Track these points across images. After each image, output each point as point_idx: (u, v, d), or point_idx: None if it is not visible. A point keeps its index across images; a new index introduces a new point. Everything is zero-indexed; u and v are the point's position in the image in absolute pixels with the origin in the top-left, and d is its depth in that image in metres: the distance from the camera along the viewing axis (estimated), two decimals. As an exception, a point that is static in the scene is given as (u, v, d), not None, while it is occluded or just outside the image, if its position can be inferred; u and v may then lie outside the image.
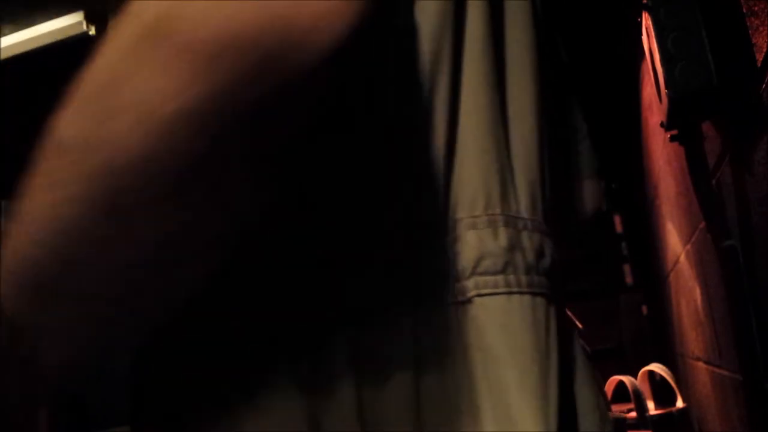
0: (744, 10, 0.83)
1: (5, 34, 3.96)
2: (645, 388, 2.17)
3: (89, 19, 3.87)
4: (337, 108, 0.41)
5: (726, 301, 1.24)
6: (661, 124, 1.17)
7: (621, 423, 1.81)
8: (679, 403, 2.06)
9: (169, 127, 0.32)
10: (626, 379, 2.04)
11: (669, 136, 1.36)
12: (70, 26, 3.90)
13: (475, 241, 0.44)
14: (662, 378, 2.14)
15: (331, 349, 0.41)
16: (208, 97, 0.31)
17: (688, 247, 1.59)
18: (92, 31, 3.89)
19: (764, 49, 0.77)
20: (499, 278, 0.43)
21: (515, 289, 0.44)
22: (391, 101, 0.45)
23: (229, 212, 0.37)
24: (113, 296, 0.37)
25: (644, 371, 2.22)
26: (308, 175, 0.43)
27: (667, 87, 0.97)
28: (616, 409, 2.09)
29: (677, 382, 2.11)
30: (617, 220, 2.64)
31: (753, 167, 0.87)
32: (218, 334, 0.43)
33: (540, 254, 0.47)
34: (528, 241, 0.46)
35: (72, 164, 0.34)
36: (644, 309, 2.65)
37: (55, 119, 0.35)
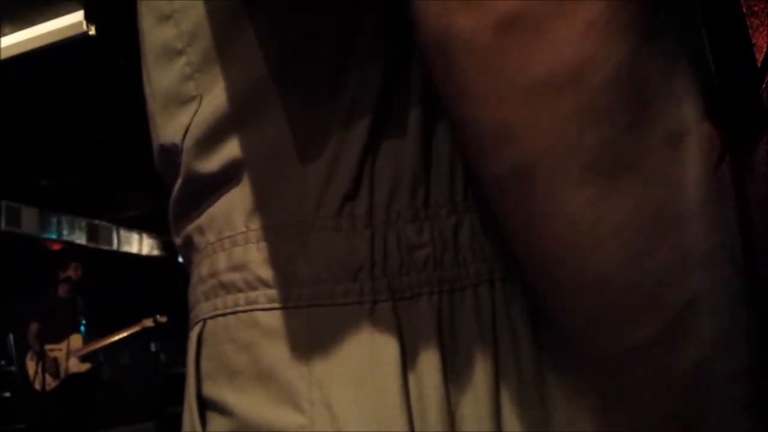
0: (744, 10, 0.83)
1: (5, 34, 3.96)
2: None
3: (89, 19, 3.87)
4: None
5: (726, 301, 1.24)
6: (661, 124, 1.17)
7: None
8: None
9: None
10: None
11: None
12: (70, 26, 3.90)
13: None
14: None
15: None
16: None
17: (688, 247, 1.59)
18: (92, 31, 3.89)
19: (764, 49, 0.77)
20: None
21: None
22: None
23: None
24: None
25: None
26: None
27: (667, 87, 0.97)
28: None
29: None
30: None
31: (753, 167, 0.87)
32: None
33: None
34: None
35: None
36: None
37: None
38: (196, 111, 0.47)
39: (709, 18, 0.94)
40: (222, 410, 0.44)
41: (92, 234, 7.90)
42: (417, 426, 0.39)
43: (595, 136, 0.31)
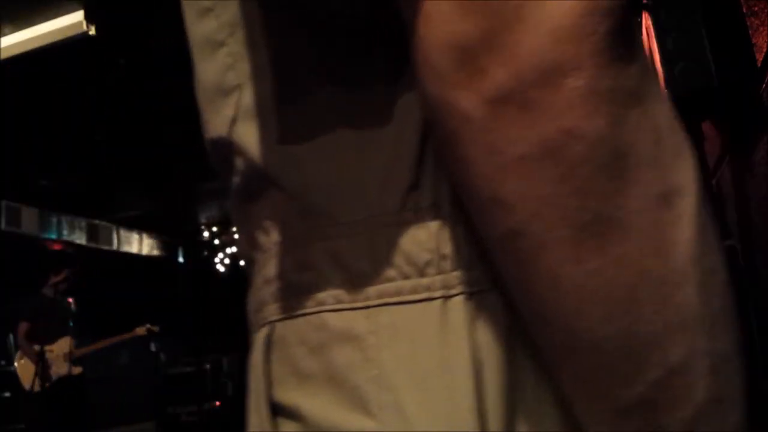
0: (744, 10, 0.83)
1: (5, 34, 3.96)
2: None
3: (89, 19, 3.87)
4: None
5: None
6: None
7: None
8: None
9: None
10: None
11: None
12: (70, 26, 3.90)
13: None
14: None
15: None
16: None
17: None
18: (92, 31, 3.90)
19: (764, 49, 0.77)
20: None
21: None
22: None
23: None
24: None
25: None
26: None
27: (667, 87, 0.97)
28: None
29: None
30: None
31: (753, 167, 0.87)
32: None
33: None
34: None
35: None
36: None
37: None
38: (238, 101, 0.46)
39: (709, 18, 0.94)
40: (293, 415, 0.42)
41: (92, 234, 7.90)
42: (485, 427, 0.38)
43: (579, 204, 0.32)
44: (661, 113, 0.34)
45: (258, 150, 0.45)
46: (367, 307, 0.41)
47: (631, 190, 0.32)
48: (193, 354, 7.51)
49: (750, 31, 0.83)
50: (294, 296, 0.44)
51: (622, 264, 0.33)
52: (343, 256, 0.42)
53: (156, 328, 5.82)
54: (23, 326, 5.25)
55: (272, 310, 0.45)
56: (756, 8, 0.81)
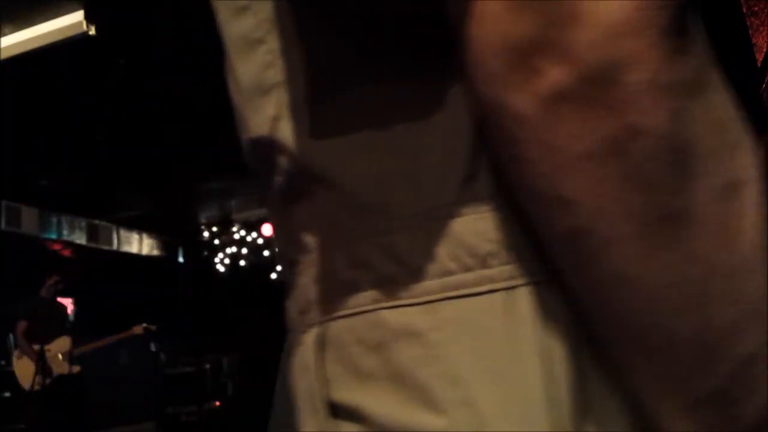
0: (744, 10, 0.83)
1: (5, 34, 3.96)
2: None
3: (89, 19, 3.88)
4: None
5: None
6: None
7: None
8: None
9: None
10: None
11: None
12: (70, 26, 3.90)
13: None
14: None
15: None
16: None
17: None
18: (92, 31, 3.90)
19: (764, 49, 0.77)
20: None
21: None
22: None
23: None
24: None
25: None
26: None
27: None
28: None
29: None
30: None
31: (753, 167, 0.87)
32: None
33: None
34: None
35: None
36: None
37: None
38: (280, 98, 0.45)
39: (709, 18, 0.94)
40: (354, 416, 0.41)
41: (92, 234, 7.91)
42: (558, 421, 0.37)
43: (644, 198, 0.32)
44: (721, 103, 0.34)
45: (304, 147, 0.44)
46: (428, 302, 0.40)
47: (696, 183, 0.32)
48: (193, 354, 7.51)
49: (750, 31, 0.83)
50: (347, 294, 0.43)
51: (692, 258, 0.32)
52: (399, 250, 0.41)
53: (153, 327, 5.83)
54: (21, 325, 5.27)
55: (323, 310, 0.44)
56: (756, 8, 0.81)
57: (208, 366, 7.37)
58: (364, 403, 0.41)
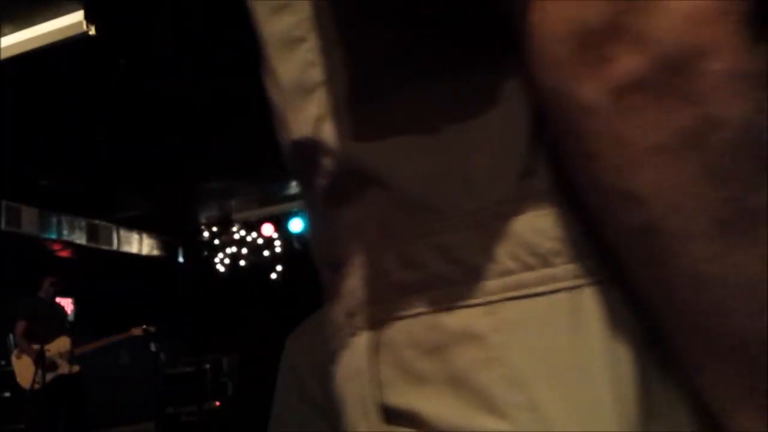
0: None
1: (5, 34, 3.96)
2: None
3: (89, 19, 3.88)
4: None
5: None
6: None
7: None
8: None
9: None
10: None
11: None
12: (70, 26, 3.90)
13: None
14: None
15: None
16: None
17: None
18: (92, 31, 3.90)
19: (764, 49, 0.77)
20: None
21: None
22: None
23: None
24: None
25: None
26: None
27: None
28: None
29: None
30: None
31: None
32: None
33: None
34: None
35: None
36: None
37: None
38: (323, 98, 0.44)
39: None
40: (411, 420, 0.40)
41: (92, 234, 7.90)
42: (626, 423, 0.36)
43: (721, 194, 0.31)
44: None
45: (350, 148, 0.43)
46: (487, 303, 0.38)
47: None
48: (193, 354, 7.51)
49: None
50: (400, 297, 0.41)
51: (765, 254, 0.31)
52: (454, 250, 0.39)
53: (152, 329, 5.83)
54: (21, 325, 5.28)
55: (375, 313, 0.43)
56: (756, 8, 0.81)
57: (208, 366, 7.37)
58: (421, 408, 0.39)
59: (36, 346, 5.18)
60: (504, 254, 0.38)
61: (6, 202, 6.64)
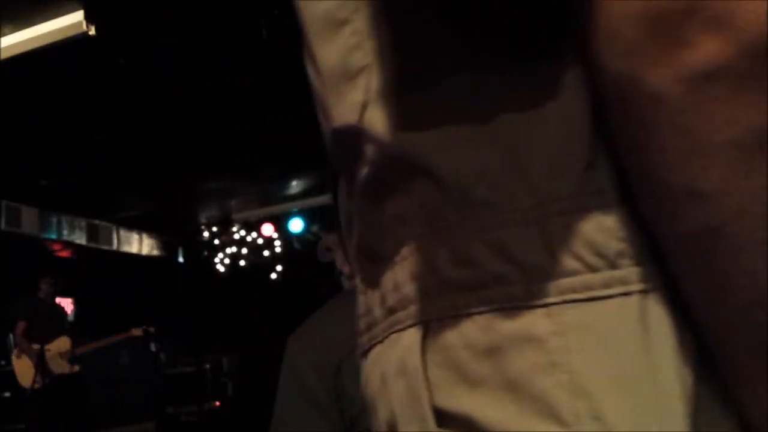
0: None
1: (5, 34, 3.96)
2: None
3: (89, 19, 3.87)
4: None
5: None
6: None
7: None
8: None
9: None
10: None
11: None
12: (70, 26, 3.90)
13: None
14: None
15: None
16: None
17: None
18: (92, 31, 3.90)
19: None
20: None
21: None
22: None
23: None
24: None
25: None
26: None
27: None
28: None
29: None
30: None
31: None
32: None
33: None
34: None
35: None
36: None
37: None
38: (368, 84, 0.41)
39: None
40: (463, 424, 0.38)
41: (92, 234, 7.90)
42: None
43: None
44: None
45: (396, 136, 0.40)
46: (547, 305, 0.36)
47: None
48: (193, 354, 7.51)
49: None
50: (452, 294, 0.39)
51: None
52: (511, 248, 0.37)
53: (152, 329, 5.84)
54: (21, 325, 5.29)
55: (424, 309, 0.41)
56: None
57: (208, 366, 7.36)
58: (475, 412, 0.37)
59: (36, 346, 5.18)
60: (565, 254, 0.36)
61: (6, 202, 6.64)
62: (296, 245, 8.38)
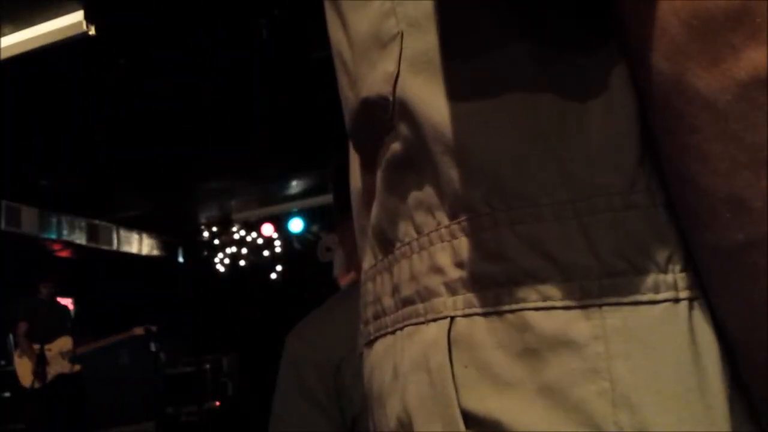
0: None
1: (5, 34, 3.96)
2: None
3: (89, 19, 3.87)
4: None
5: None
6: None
7: None
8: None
9: None
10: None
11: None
12: (70, 26, 3.90)
13: None
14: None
15: None
16: None
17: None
18: (92, 31, 3.89)
19: (763, 49, 0.77)
20: None
21: None
22: None
23: None
24: None
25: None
26: None
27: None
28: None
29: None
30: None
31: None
32: None
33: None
34: None
35: None
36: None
37: None
38: (401, 53, 0.39)
39: None
40: (491, 428, 0.35)
41: (92, 234, 7.90)
42: None
43: None
44: None
45: (431, 113, 0.37)
46: (586, 307, 0.34)
47: None
48: (193, 354, 7.51)
49: None
50: (482, 289, 0.37)
51: None
52: (547, 244, 0.35)
53: (153, 328, 5.84)
54: (22, 326, 5.29)
55: (450, 304, 0.38)
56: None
57: (208, 366, 7.37)
58: (505, 417, 0.35)
59: (36, 346, 5.19)
60: (611, 253, 0.34)
61: (6, 202, 6.63)
62: (296, 245, 8.37)
